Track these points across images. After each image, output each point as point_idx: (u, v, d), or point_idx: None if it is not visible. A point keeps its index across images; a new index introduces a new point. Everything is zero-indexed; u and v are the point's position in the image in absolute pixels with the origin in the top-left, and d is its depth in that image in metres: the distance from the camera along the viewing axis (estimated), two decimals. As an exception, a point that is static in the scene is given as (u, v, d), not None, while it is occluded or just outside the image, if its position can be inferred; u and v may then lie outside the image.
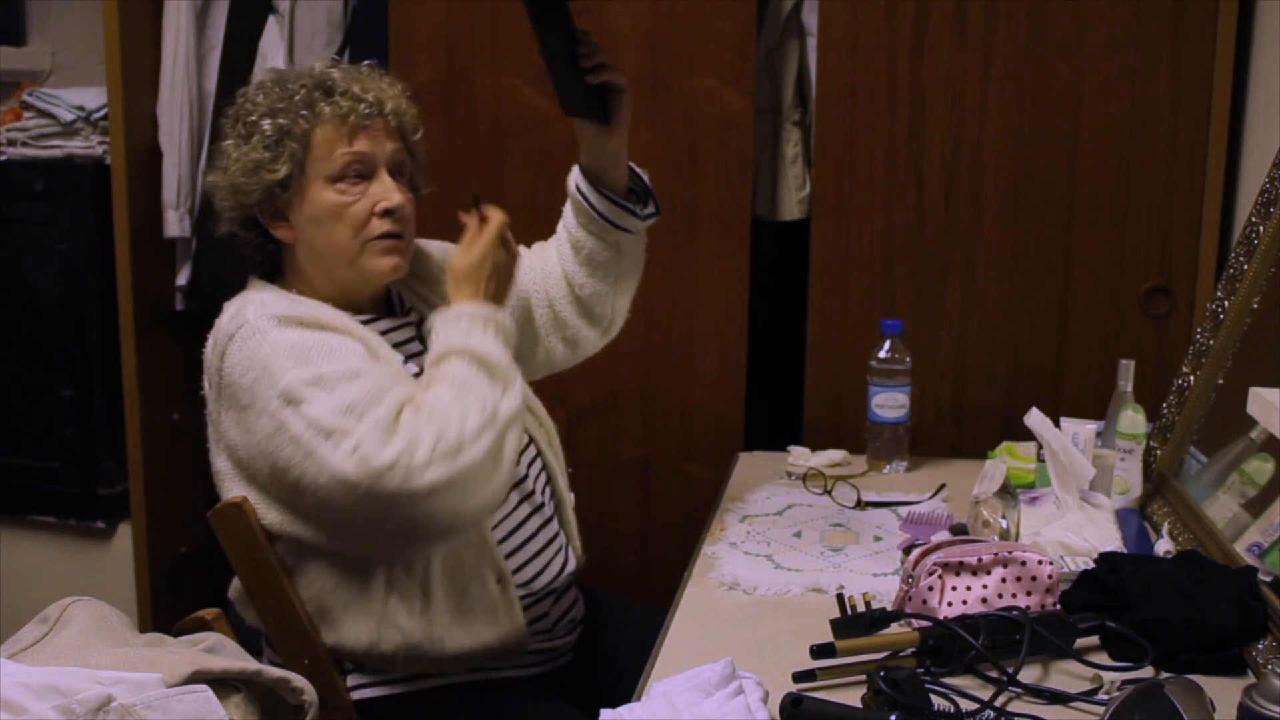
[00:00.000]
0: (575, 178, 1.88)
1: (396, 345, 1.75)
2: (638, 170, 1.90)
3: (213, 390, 1.66)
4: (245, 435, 1.60)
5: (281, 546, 1.67)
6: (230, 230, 1.75)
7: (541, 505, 1.82)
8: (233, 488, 1.66)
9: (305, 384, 1.55)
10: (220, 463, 1.68)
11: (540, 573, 1.78)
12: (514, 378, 1.60)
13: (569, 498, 1.91)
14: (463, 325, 1.61)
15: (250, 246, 1.76)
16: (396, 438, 1.50)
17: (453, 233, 1.72)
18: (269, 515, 1.63)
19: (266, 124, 1.68)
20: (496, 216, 1.66)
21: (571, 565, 1.85)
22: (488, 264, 1.65)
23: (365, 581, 1.65)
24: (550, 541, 1.81)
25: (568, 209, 1.92)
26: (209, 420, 1.69)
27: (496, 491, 1.58)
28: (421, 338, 1.80)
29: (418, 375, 1.68)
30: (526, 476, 1.80)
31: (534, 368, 2.00)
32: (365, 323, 1.73)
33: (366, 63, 1.80)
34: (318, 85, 1.70)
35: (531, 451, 1.83)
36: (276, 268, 1.76)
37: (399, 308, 1.83)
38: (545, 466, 1.86)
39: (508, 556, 1.74)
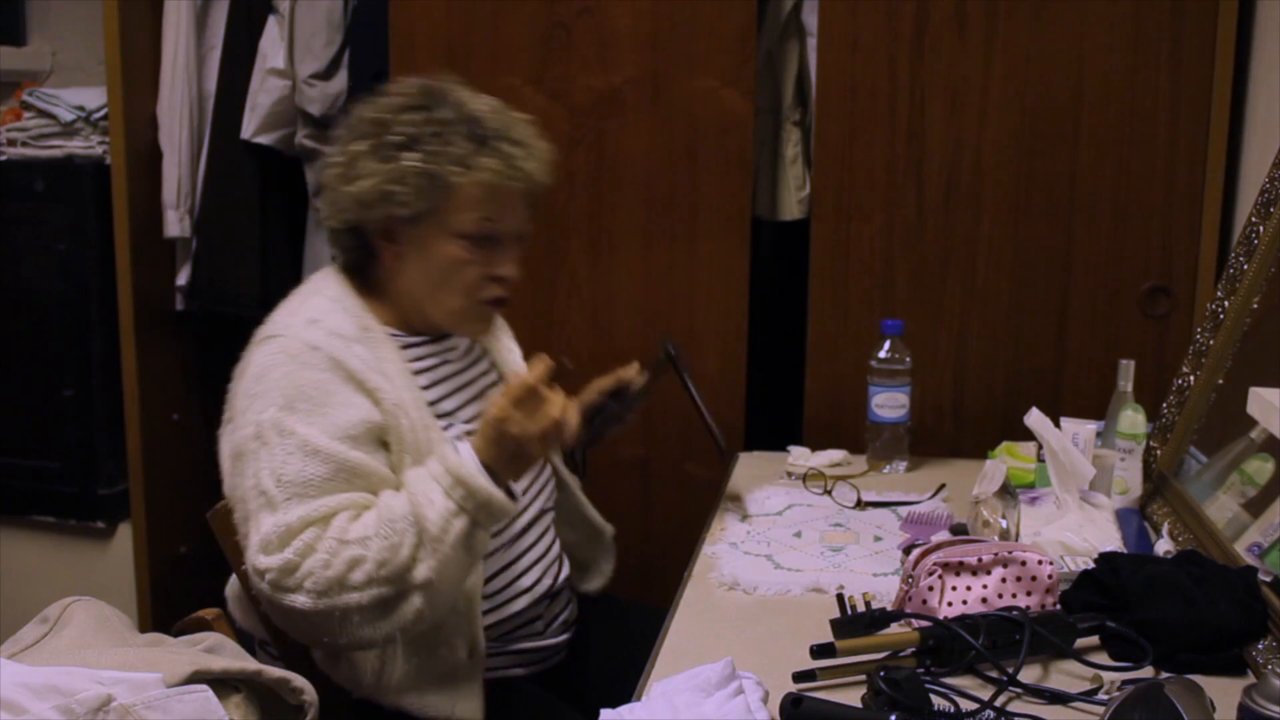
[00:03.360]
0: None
1: (439, 365, 1.73)
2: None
3: (238, 373, 1.64)
4: (229, 437, 1.62)
5: None
6: (333, 226, 1.69)
7: (547, 510, 1.82)
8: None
9: (273, 429, 1.54)
10: (223, 446, 1.65)
11: (541, 579, 1.78)
12: (446, 550, 1.50)
13: (572, 480, 1.91)
14: (433, 470, 1.53)
15: (344, 244, 1.70)
16: (284, 550, 1.50)
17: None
18: None
19: (409, 159, 1.60)
20: (556, 401, 1.52)
21: (567, 570, 1.85)
22: (511, 433, 1.51)
23: None
24: (551, 546, 1.82)
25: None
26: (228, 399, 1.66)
27: (374, 639, 1.53)
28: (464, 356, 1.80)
29: (445, 397, 1.69)
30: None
31: None
32: (417, 344, 1.71)
33: (521, 117, 1.70)
34: (471, 132, 1.63)
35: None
36: (363, 269, 1.71)
37: None
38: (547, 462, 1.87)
39: (505, 567, 1.73)
